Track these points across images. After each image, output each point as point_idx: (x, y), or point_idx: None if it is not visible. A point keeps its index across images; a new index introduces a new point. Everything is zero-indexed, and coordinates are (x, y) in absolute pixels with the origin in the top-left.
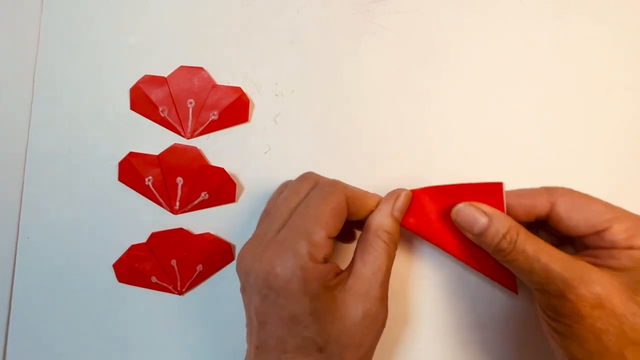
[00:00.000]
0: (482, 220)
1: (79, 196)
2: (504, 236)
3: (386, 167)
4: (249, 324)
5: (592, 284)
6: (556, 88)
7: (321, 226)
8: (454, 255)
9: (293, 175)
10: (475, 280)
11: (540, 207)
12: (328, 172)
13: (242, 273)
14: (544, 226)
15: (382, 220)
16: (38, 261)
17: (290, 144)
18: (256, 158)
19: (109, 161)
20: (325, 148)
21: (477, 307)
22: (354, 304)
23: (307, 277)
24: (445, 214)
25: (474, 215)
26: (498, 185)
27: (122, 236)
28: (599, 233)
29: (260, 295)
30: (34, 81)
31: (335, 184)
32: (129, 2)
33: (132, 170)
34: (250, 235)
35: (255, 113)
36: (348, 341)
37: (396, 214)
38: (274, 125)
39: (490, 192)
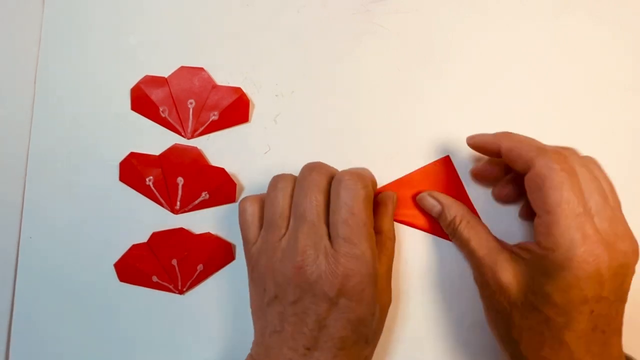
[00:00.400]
0: (437, 207)
1: (80, 196)
2: (449, 223)
3: (386, 167)
4: (292, 328)
5: (497, 272)
6: (556, 88)
7: (372, 227)
8: (427, 232)
9: None
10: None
11: (491, 149)
12: None
13: (302, 285)
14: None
15: (390, 225)
16: (40, 261)
17: (290, 144)
18: (256, 158)
19: (110, 161)
20: (325, 148)
21: (477, 307)
22: (381, 298)
23: (374, 280)
24: (413, 200)
25: (431, 203)
26: (446, 159)
27: (123, 236)
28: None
29: (330, 303)
30: (35, 82)
31: (362, 179)
32: (129, 2)
33: (133, 171)
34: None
35: (255, 113)
36: (379, 329)
37: (393, 214)
38: (274, 125)
39: (445, 166)
